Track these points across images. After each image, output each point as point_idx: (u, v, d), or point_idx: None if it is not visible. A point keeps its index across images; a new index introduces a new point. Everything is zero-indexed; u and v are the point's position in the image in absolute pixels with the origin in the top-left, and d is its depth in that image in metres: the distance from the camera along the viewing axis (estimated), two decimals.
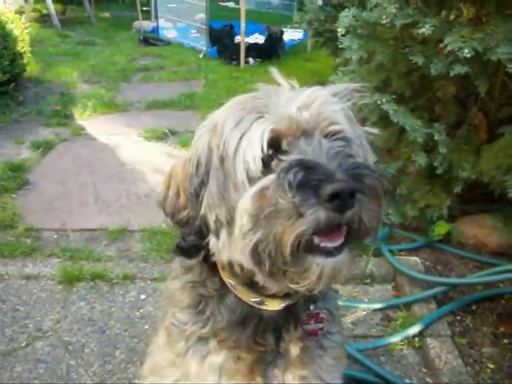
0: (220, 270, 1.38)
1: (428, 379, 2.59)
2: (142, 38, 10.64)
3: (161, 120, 6.00)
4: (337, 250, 1.10)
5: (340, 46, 3.38)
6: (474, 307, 3.03)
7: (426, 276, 3.12)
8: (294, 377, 1.45)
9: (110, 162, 4.97)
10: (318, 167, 1.08)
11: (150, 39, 10.58)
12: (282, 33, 9.15)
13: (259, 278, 1.23)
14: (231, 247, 1.21)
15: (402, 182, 3.68)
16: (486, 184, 3.31)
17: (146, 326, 2.85)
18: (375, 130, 1.41)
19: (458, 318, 2.96)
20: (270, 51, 8.86)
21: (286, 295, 1.33)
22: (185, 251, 1.35)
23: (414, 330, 2.77)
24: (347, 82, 3.57)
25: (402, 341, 2.76)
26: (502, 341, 2.81)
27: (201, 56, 9.33)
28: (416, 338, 2.77)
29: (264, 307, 1.37)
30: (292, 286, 1.17)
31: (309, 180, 1.06)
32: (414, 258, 3.35)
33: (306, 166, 1.08)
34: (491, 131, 3.47)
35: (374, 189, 1.13)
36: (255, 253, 1.13)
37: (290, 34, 10.22)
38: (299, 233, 1.06)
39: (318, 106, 1.22)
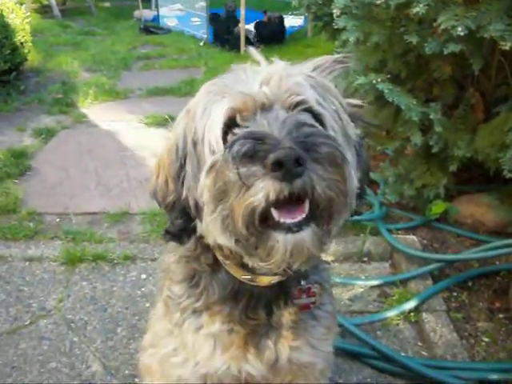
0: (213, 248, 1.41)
1: (423, 352, 2.63)
2: (142, 26, 10.64)
3: (162, 106, 6.03)
4: (297, 226, 1.09)
5: (336, 27, 3.40)
6: (469, 283, 3.07)
7: (422, 253, 3.16)
8: (286, 347, 1.50)
9: (112, 148, 5.02)
10: (267, 138, 1.07)
11: (151, 28, 10.58)
12: (281, 18, 9.16)
13: (246, 260, 1.24)
14: (210, 228, 1.21)
15: (400, 163, 3.72)
16: (482, 164, 3.34)
17: (147, 304, 2.90)
18: (358, 101, 1.41)
19: (454, 293, 3.00)
20: (270, 37, 8.85)
21: (276, 273, 1.35)
22: (174, 235, 1.39)
23: (410, 305, 2.82)
24: None
25: (398, 315, 2.81)
26: (497, 316, 2.85)
27: (201, 44, 9.34)
28: (412, 313, 2.82)
29: (255, 283, 1.41)
30: (262, 264, 1.17)
31: (256, 151, 1.06)
32: (411, 237, 3.38)
33: (254, 137, 1.08)
34: (488, 111, 3.50)
35: (331, 157, 1.10)
36: (224, 229, 1.14)
37: (291, 21, 10.19)
38: (249, 205, 1.06)
39: (278, 79, 1.21)
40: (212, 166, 1.14)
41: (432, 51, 3.00)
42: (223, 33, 9.07)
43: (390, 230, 3.45)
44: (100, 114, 6.03)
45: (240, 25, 8.61)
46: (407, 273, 3.06)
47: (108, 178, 4.42)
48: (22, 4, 7.70)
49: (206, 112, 1.23)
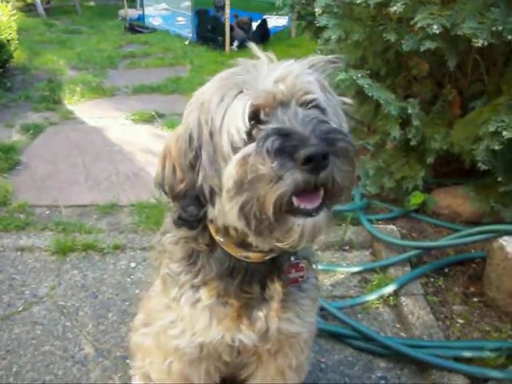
0: (212, 230, 1.53)
1: (402, 334, 2.76)
2: (127, 25, 10.71)
3: (148, 104, 6.13)
4: (315, 211, 1.23)
5: (318, 26, 3.54)
6: (446, 270, 3.21)
7: (401, 241, 3.30)
8: (275, 318, 1.62)
9: (99, 144, 5.11)
10: (294, 134, 1.21)
11: (136, 27, 10.65)
12: (250, 21, 9.36)
13: (251, 239, 1.39)
14: (224, 212, 1.34)
15: (380, 156, 3.86)
16: (459, 158, 3.49)
17: (137, 291, 3.00)
18: (349, 100, 1.55)
19: (431, 279, 3.13)
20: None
21: (270, 250, 1.48)
22: (186, 221, 1.50)
23: (389, 289, 2.95)
24: None
25: (377, 299, 2.94)
26: (472, 299, 2.98)
27: (186, 43, 9.44)
28: (391, 297, 2.95)
29: (250, 260, 1.53)
30: (278, 244, 1.31)
31: (285, 146, 1.19)
32: (391, 227, 3.52)
33: (283, 134, 1.21)
34: (464, 107, 3.64)
35: (346, 151, 1.25)
36: (242, 214, 1.27)
37: (275, 21, 10.36)
38: (279, 194, 1.19)
39: (293, 77, 1.33)
40: (243, 159, 1.25)
41: (409, 48, 3.14)
42: (207, 31, 9.18)
43: (370, 221, 3.58)
44: (87, 110, 6.10)
45: (226, 24, 8.71)
46: (386, 260, 3.19)
47: (97, 172, 4.51)
48: (7, 2, 7.74)
49: (223, 104, 1.32)
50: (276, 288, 1.58)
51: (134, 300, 2.91)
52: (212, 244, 1.56)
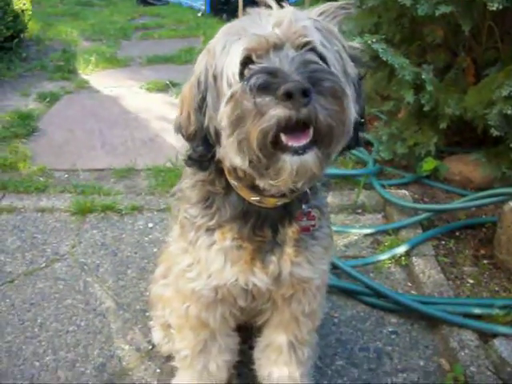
0: (226, 173, 1.59)
1: (413, 291, 2.83)
2: None
3: (162, 73, 6.18)
4: (302, 149, 1.26)
5: None
6: (457, 233, 3.27)
7: (413, 204, 3.36)
8: (288, 262, 1.69)
9: (115, 111, 5.19)
10: (279, 72, 1.24)
11: None
12: None
13: (258, 182, 1.43)
14: (226, 152, 1.40)
15: (393, 123, 3.90)
16: (471, 124, 3.53)
17: (155, 249, 3.09)
18: (358, 45, 1.58)
19: (443, 242, 3.19)
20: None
21: (283, 195, 1.54)
22: (195, 161, 1.56)
23: (401, 249, 3.02)
24: (341, 25, 3.75)
25: (389, 259, 3.01)
26: (482, 261, 3.04)
27: (199, 15, 9.44)
28: (402, 258, 3.02)
29: (263, 205, 1.59)
30: (272, 182, 1.36)
31: (269, 83, 1.23)
32: (403, 191, 3.57)
33: (268, 72, 1.26)
34: (478, 75, 3.67)
35: (333, 91, 1.26)
36: (239, 152, 1.32)
37: None
38: (262, 129, 1.23)
39: (288, 22, 1.37)
40: (231, 96, 1.31)
41: (424, 12, 3.17)
42: (219, 3, 9.17)
43: (383, 186, 3.63)
44: (101, 80, 6.18)
45: None
46: (398, 222, 3.25)
47: (113, 138, 4.59)
48: None
49: (225, 50, 1.40)
50: (287, 233, 1.65)
51: (152, 258, 3.00)
52: (227, 188, 1.62)
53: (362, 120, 1.54)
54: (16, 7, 6.59)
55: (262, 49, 1.34)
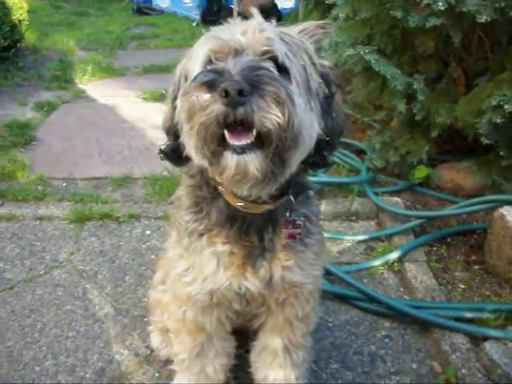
0: (210, 176, 1.63)
1: (405, 297, 2.90)
2: (135, 8, 10.81)
3: (158, 83, 6.24)
4: (242, 149, 1.31)
5: (326, 2, 3.64)
6: (448, 239, 3.34)
7: (405, 211, 3.43)
8: (278, 267, 1.74)
9: (112, 120, 5.26)
10: (225, 72, 1.30)
11: (144, 9, 10.76)
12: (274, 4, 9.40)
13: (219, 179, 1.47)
14: (186, 145, 1.48)
15: (385, 132, 3.97)
16: (463, 136, 3.60)
17: (152, 256, 3.15)
18: (327, 63, 1.63)
19: (434, 248, 3.25)
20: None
21: (264, 202, 1.61)
22: (166, 154, 1.67)
23: (394, 255, 3.08)
24: (334, 37, 3.85)
25: (382, 265, 3.07)
26: (473, 267, 3.10)
27: (194, 24, 9.53)
28: (395, 263, 3.09)
29: (248, 210, 1.65)
30: (218, 179, 1.43)
31: (214, 81, 1.31)
32: (396, 198, 3.64)
33: (215, 71, 1.33)
34: (468, 85, 3.75)
35: (276, 96, 1.29)
36: (194, 147, 1.40)
37: (283, 3, 10.40)
38: (203, 123, 1.30)
39: (253, 32, 1.44)
40: (184, 92, 1.41)
41: (415, 24, 3.24)
42: (209, 14, 9.28)
43: (376, 193, 3.70)
44: (98, 89, 6.25)
45: (233, 5, 8.79)
46: (391, 229, 3.32)
47: (110, 147, 4.65)
48: None
49: (197, 54, 1.49)
50: (276, 239, 1.71)
51: (150, 264, 3.06)
52: (215, 193, 1.69)
53: (328, 139, 1.56)
54: (13, 17, 6.65)
55: (223, 52, 1.42)
